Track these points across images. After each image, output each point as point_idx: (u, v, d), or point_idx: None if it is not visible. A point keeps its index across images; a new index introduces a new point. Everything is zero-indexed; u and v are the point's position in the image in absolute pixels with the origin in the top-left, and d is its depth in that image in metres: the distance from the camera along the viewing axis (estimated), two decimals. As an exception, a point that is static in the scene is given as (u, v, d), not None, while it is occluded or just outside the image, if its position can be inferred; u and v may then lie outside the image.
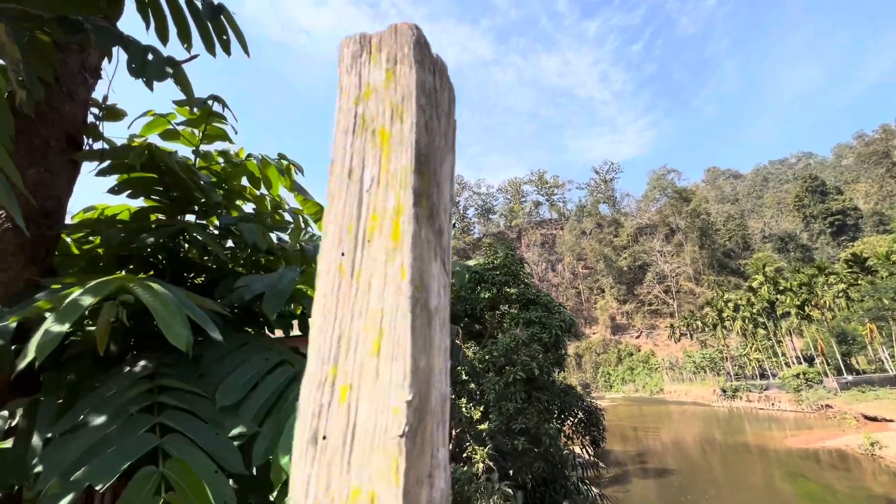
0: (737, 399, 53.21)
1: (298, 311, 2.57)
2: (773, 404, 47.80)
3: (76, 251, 2.48)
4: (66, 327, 1.16)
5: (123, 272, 2.46)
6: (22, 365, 1.17)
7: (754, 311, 58.09)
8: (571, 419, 10.41)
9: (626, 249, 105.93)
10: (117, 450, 1.23)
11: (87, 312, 1.83)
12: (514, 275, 9.63)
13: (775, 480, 22.48)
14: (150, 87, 1.81)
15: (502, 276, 9.47)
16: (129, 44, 1.64)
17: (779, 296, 54.30)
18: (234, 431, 1.48)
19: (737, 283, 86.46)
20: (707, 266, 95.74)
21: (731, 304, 62.33)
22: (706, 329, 69.55)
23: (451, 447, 9.22)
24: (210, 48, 2.14)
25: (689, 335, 75.55)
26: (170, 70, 1.68)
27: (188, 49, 2.16)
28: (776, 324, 57.60)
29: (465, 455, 8.13)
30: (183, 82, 1.80)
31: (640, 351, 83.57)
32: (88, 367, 1.95)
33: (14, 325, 1.54)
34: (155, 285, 1.38)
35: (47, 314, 1.69)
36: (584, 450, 11.37)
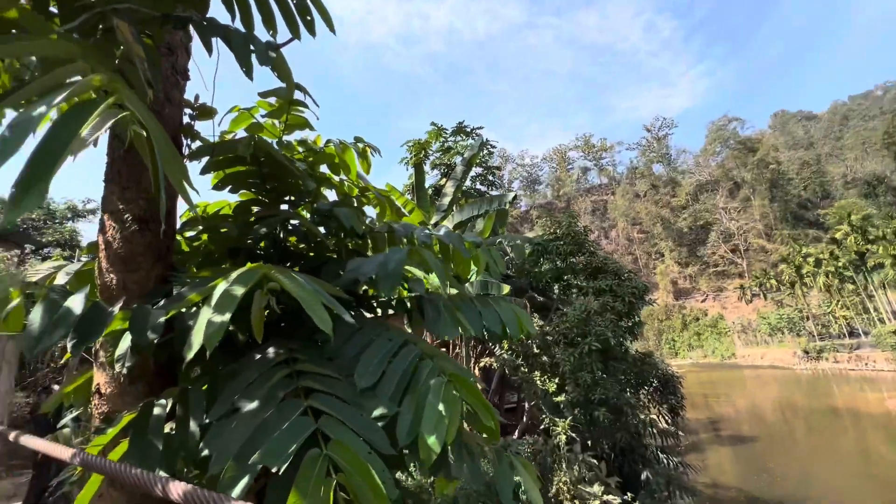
0: (822, 360, 49.23)
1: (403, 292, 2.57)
2: (866, 364, 43.78)
3: (186, 248, 2.60)
4: (227, 317, 1.18)
5: (229, 263, 2.57)
6: (190, 355, 1.21)
7: (840, 264, 52.86)
8: (646, 388, 10.09)
9: (685, 209, 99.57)
10: (283, 433, 1.26)
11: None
12: (579, 244, 9.29)
13: (873, 446, 20.72)
14: (251, 77, 1.81)
15: (567, 247, 9.17)
16: (232, 33, 1.63)
17: (869, 246, 48.92)
18: (376, 412, 1.48)
19: (816, 236, 78.85)
20: (780, 220, 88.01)
21: (810, 259, 57.08)
22: (782, 288, 64.46)
23: (524, 419, 9.21)
24: (295, 31, 2.10)
25: (761, 295, 70.46)
26: (273, 54, 1.65)
27: (273, 35, 2.14)
28: (867, 277, 52.15)
29: (541, 427, 8.13)
30: (281, 68, 1.77)
31: (706, 315, 79.19)
32: (219, 357, 2.05)
33: (163, 320, 1.62)
34: (293, 273, 1.38)
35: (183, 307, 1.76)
36: (660, 418, 11.04)
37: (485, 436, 1.83)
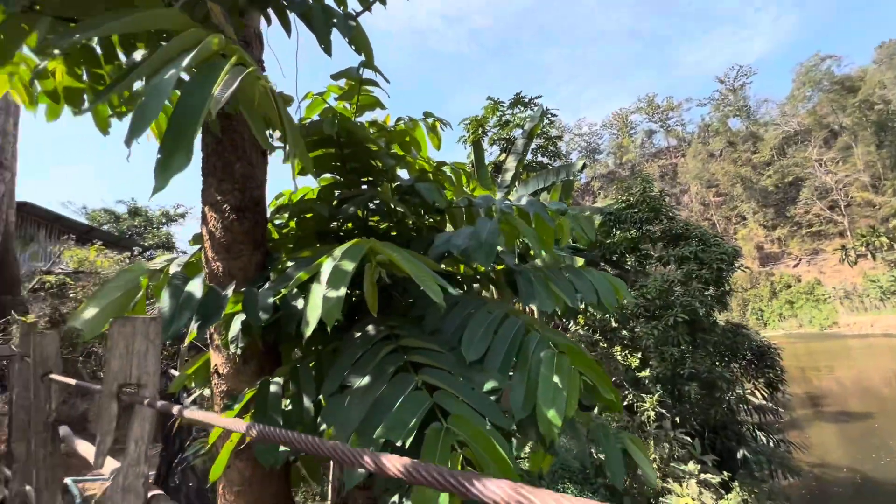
0: (950, 326, 42.63)
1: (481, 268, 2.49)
2: None
3: (276, 236, 2.70)
4: (342, 291, 1.16)
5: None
6: (308, 332, 1.21)
7: (972, 214, 44.97)
8: (738, 361, 9.33)
9: (769, 166, 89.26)
10: (401, 408, 1.24)
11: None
12: (655, 210, 8.63)
13: None
14: (329, 52, 1.78)
15: (642, 214, 8.56)
16: (311, 9, 1.59)
17: None
18: (487, 386, 1.42)
19: (939, 183, 67.57)
20: (890, 168, 76.18)
21: (932, 211, 49.10)
22: (895, 246, 56.31)
23: (604, 396, 9.01)
24: (364, 2, 2.04)
25: (869, 256, 62.06)
26: (353, 23, 1.60)
27: (344, 9, 2.09)
28: None
29: (624, 404, 7.81)
30: (359, 39, 1.72)
31: (800, 281, 71.35)
32: (319, 337, 2.10)
33: (272, 300, 1.67)
34: (396, 247, 1.34)
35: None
36: (756, 393, 10.22)
37: (571, 409, 1.71)
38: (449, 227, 3.01)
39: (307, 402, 1.71)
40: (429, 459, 1.11)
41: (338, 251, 1.34)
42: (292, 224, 2.68)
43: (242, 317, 1.87)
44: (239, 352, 1.97)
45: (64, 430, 2.12)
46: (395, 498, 1.59)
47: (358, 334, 1.82)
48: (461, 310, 1.75)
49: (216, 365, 2.12)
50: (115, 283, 1.49)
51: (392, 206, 2.21)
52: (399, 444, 1.14)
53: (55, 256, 9.72)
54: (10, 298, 7.56)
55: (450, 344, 1.63)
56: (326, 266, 1.31)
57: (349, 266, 1.21)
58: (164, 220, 17.83)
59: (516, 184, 9.20)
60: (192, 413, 0.75)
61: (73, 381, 1.85)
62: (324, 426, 1.45)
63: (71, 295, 8.41)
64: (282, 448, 1.62)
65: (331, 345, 1.96)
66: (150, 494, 1.06)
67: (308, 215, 2.61)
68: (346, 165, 2.42)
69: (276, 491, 2.11)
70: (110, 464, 1.52)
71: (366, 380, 1.44)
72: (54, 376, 2.00)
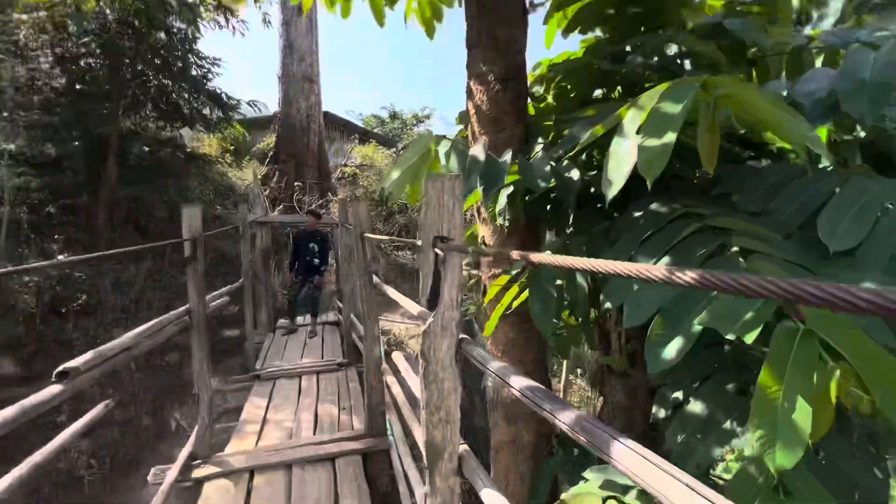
0: None
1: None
2: None
3: (533, 112, 2.54)
4: (670, 137, 0.89)
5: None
6: (611, 193, 1.03)
7: None
8: None
9: None
10: (733, 298, 0.98)
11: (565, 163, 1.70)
12: None
13: None
14: None
15: None
16: None
17: None
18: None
19: None
20: None
21: None
22: None
23: None
24: None
25: None
26: None
27: None
28: None
29: None
30: None
31: None
32: (582, 216, 1.93)
33: (548, 168, 1.55)
34: (742, 83, 0.96)
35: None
36: None
37: None
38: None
39: (580, 279, 1.62)
40: (779, 364, 0.84)
41: (646, 97, 1.05)
42: (549, 97, 2.45)
43: (508, 190, 1.86)
44: (507, 224, 2.01)
45: (375, 278, 2.73)
46: (679, 394, 1.41)
47: (638, 214, 1.56)
48: (802, 188, 1.25)
49: (483, 237, 2.26)
50: (412, 151, 1.62)
51: (695, 51, 1.69)
52: (744, 337, 0.90)
53: (347, 153, 12.49)
54: (327, 184, 10.26)
55: (786, 229, 1.20)
56: (631, 116, 1.06)
57: (675, 108, 0.92)
58: (414, 122, 20.39)
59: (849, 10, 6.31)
60: (519, 256, 0.67)
61: (385, 238, 2.28)
62: (607, 304, 1.32)
63: (360, 182, 10.78)
64: (554, 320, 1.62)
65: (600, 226, 1.77)
66: (459, 337, 1.17)
67: (568, 85, 2.32)
68: (623, 11, 1.96)
69: (535, 356, 2.25)
70: (413, 308, 1.83)
71: (664, 260, 1.21)
72: (368, 235, 2.53)
